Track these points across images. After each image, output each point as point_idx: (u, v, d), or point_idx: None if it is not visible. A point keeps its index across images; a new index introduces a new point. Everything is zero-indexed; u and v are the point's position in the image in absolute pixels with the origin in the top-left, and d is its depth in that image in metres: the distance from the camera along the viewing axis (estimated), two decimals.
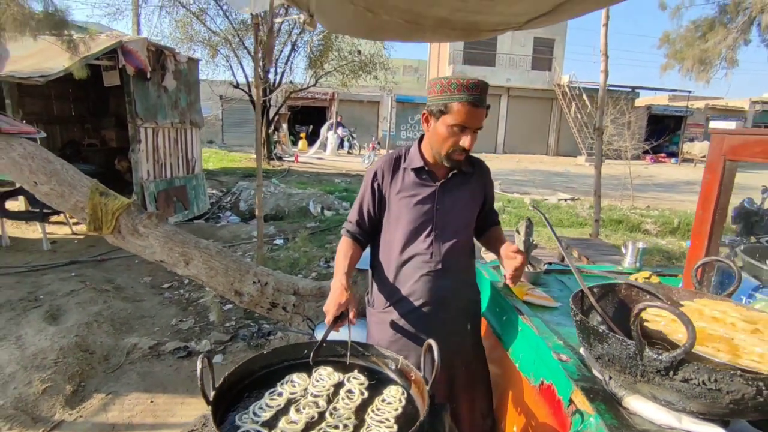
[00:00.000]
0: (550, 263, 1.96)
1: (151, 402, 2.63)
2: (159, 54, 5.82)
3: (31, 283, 4.05)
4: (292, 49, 13.13)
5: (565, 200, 9.39)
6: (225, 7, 11.23)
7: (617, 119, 9.02)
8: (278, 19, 8.42)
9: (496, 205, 1.68)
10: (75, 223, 5.74)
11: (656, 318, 1.00)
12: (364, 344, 1.15)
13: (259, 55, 4.27)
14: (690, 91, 22.29)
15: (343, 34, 4.59)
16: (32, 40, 4.87)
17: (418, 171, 1.44)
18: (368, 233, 1.51)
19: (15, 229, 5.66)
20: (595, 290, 1.24)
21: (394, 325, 1.46)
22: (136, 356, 3.08)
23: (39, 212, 4.98)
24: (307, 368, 1.08)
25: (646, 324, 1.02)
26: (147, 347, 3.17)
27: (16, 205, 5.68)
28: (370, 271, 1.57)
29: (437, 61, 25.85)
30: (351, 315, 1.24)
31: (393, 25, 2.79)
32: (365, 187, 1.49)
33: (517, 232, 1.83)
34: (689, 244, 1.76)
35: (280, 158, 15.72)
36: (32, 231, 5.68)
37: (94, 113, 7.54)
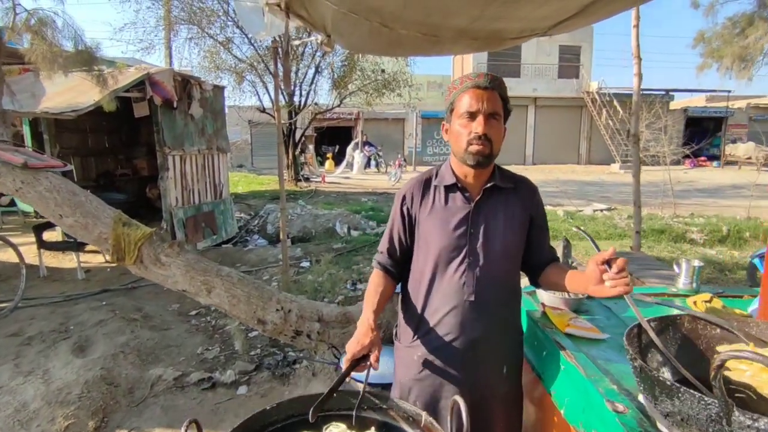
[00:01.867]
0: None
1: None
2: (185, 83, 5.96)
3: (63, 313, 4.09)
4: (316, 71, 13.35)
5: (601, 210, 8.97)
6: (250, 35, 11.55)
7: (653, 123, 8.60)
8: (296, 42, 8.57)
9: None
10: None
11: (739, 366, 0.80)
12: (382, 394, 1.00)
13: (280, 79, 4.29)
14: (729, 91, 21.27)
15: (360, 52, 4.57)
16: (67, 77, 5.08)
17: (449, 189, 1.30)
18: (400, 263, 1.37)
19: (53, 259, 5.82)
20: (652, 324, 1.06)
21: (419, 362, 1.30)
22: (160, 388, 3.01)
23: (74, 242, 5.09)
24: (317, 426, 0.94)
25: (725, 373, 0.83)
26: (171, 378, 3.10)
27: (54, 235, 5.87)
28: (399, 297, 1.42)
29: (461, 74, 25.72)
30: (373, 359, 1.10)
31: (410, 39, 2.70)
32: (394, 212, 1.36)
33: None
34: (758, 260, 1.53)
35: (307, 179, 15.88)
36: (68, 260, 5.83)
37: (126, 144, 7.82)
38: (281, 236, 4.56)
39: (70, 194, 2.85)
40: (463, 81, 1.24)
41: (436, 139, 23.84)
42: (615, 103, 20.43)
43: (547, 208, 10.16)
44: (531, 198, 1.34)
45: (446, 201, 1.29)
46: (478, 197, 1.27)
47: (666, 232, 7.04)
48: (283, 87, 4.84)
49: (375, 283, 1.33)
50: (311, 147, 20.06)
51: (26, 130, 7.73)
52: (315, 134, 21.63)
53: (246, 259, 6.06)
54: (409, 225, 1.34)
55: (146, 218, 7.17)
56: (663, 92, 20.95)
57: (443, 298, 1.27)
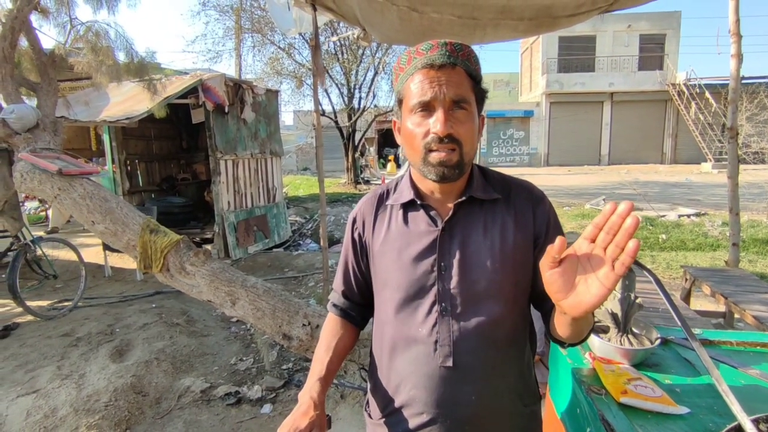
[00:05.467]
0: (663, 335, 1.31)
1: None
2: (237, 88, 6.03)
3: (114, 315, 4.23)
4: (376, 73, 13.27)
5: (688, 216, 7.89)
6: (280, 31, 11.67)
7: (756, 115, 7.38)
8: (334, 38, 8.49)
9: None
10: None
11: None
12: None
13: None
14: None
15: (393, 43, 4.27)
16: (128, 88, 5.31)
17: (408, 207, 0.95)
18: (363, 306, 1.06)
19: (118, 260, 6.15)
20: (764, 426, 0.67)
21: None
22: (186, 400, 2.93)
23: None
24: None
25: None
26: (199, 390, 3.01)
27: None
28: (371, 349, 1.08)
29: (529, 71, 24.58)
30: None
31: (445, 24, 2.36)
32: (346, 241, 1.04)
33: None
34: None
35: (367, 182, 15.90)
36: (132, 261, 6.12)
37: (187, 149, 8.16)
38: (322, 243, 4.39)
39: (102, 200, 2.84)
40: (411, 58, 0.86)
41: (503, 139, 22.87)
42: (707, 94, 18.25)
43: None
44: (534, 210, 0.92)
45: (405, 225, 0.94)
46: (449, 216, 0.91)
47: None
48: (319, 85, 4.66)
49: (329, 332, 1.02)
50: (372, 149, 20.11)
51: (106, 138, 8.36)
52: (377, 136, 21.67)
53: (294, 264, 6.00)
54: (364, 257, 1.01)
55: (205, 222, 7.42)
56: None
57: (410, 364, 0.91)
